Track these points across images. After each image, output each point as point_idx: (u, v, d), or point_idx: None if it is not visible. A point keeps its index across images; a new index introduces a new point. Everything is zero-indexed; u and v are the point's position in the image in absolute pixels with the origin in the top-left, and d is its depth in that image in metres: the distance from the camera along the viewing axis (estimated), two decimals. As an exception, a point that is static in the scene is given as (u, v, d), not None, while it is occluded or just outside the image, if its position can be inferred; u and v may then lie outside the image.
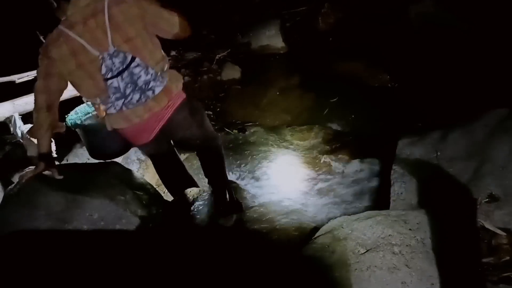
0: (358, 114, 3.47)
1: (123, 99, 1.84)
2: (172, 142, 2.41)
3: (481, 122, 2.21)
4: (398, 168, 2.34)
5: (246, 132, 3.53)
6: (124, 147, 2.32)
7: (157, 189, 2.73)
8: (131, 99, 1.84)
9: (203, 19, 5.20)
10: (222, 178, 2.34)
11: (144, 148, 2.26)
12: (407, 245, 1.63)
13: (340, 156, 3.06)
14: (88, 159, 3.20)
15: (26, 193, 2.04)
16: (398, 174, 2.31)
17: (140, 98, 1.85)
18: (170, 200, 2.59)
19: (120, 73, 1.78)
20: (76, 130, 2.28)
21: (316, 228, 2.12)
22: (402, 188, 2.24)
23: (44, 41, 1.84)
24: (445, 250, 1.67)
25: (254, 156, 3.20)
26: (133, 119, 1.90)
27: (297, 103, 3.84)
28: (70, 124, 2.22)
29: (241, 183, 2.93)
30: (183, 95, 2.00)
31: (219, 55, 4.37)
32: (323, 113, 3.60)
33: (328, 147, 3.21)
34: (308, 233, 2.14)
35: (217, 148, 2.26)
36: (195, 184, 2.64)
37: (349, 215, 1.99)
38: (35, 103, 1.85)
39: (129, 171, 2.53)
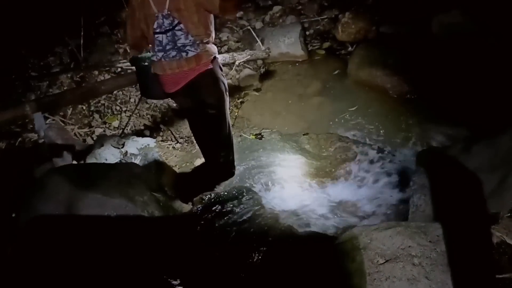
0: (377, 124, 3.44)
1: (162, 52, 2.35)
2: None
3: (506, 134, 2.17)
4: (418, 180, 2.30)
5: (263, 139, 3.53)
6: (162, 94, 2.63)
7: (173, 191, 2.75)
8: (169, 54, 2.34)
9: (223, 25, 5.26)
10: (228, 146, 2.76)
11: (175, 99, 2.76)
12: (427, 257, 1.60)
13: (357, 165, 3.05)
14: (106, 159, 3.25)
15: (48, 188, 2.09)
16: (417, 186, 2.27)
17: (176, 55, 2.33)
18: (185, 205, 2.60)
19: (166, 31, 2.29)
20: (135, 67, 2.66)
21: (333, 238, 2.11)
22: (422, 199, 2.20)
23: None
24: (465, 264, 1.64)
25: (271, 163, 3.19)
26: (166, 70, 2.40)
27: (315, 111, 3.84)
28: (136, 59, 2.58)
29: (256, 190, 2.92)
30: (210, 66, 2.41)
31: (238, 61, 4.38)
32: (341, 122, 3.59)
33: (345, 156, 3.19)
34: (325, 242, 2.13)
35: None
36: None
37: (368, 225, 1.98)
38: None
39: (148, 173, 2.56)
